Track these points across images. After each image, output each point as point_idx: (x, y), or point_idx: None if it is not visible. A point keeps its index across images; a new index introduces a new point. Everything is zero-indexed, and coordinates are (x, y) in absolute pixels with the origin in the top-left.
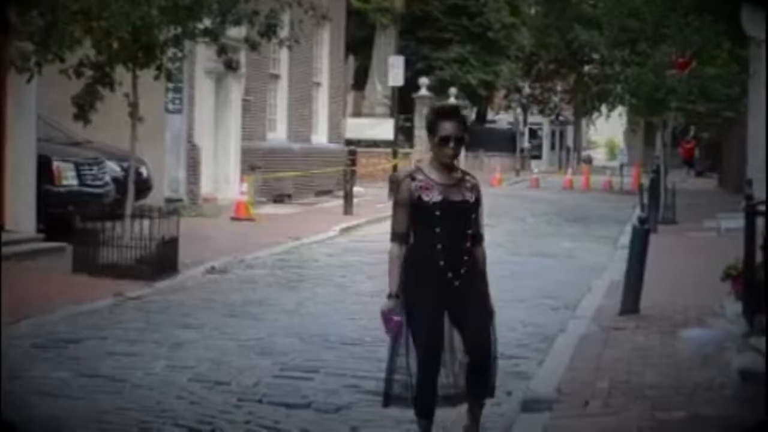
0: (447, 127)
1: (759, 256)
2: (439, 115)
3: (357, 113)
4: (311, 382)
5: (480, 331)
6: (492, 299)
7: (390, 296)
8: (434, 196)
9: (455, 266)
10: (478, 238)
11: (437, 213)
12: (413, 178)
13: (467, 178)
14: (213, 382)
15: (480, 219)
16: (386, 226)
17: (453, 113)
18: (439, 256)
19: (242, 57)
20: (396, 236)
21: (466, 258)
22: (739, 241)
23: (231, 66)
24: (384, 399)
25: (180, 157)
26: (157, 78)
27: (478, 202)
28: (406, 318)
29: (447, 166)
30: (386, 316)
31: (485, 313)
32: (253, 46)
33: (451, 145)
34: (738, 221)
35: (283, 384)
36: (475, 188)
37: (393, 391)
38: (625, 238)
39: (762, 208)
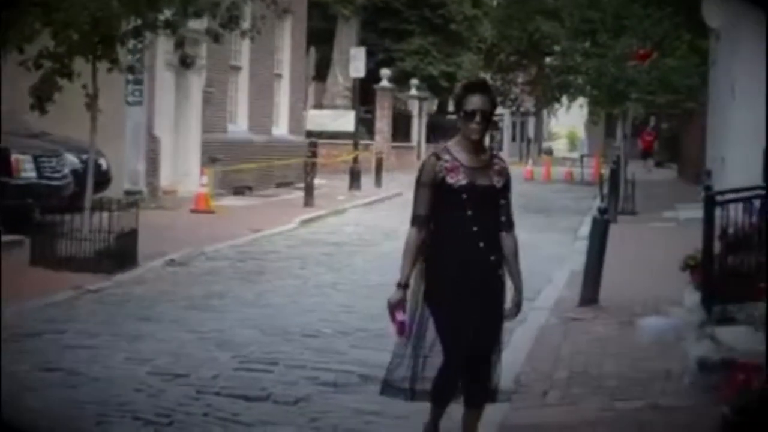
0: (474, 101)
1: (717, 246)
2: (467, 89)
3: (318, 105)
4: (270, 375)
5: (489, 334)
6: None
7: (399, 286)
8: (460, 179)
9: (495, 249)
10: (507, 224)
11: (464, 196)
12: (438, 158)
13: (496, 161)
14: (172, 375)
15: (510, 204)
16: (346, 218)
17: (482, 87)
18: (477, 238)
19: (203, 49)
20: (416, 220)
21: (495, 246)
22: (698, 231)
23: (186, 62)
24: (382, 386)
25: (140, 149)
26: (110, 71)
27: (506, 186)
28: (433, 307)
29: (475, 146)
30: (392, 310)
31: (499, 312)
32: (215, 38)
33: (478, 119)
34: (697, 211)
35: (243, 376)
36: (503, 172)
37: (393, 379)
38: (585, 229)
39: (720, 198)
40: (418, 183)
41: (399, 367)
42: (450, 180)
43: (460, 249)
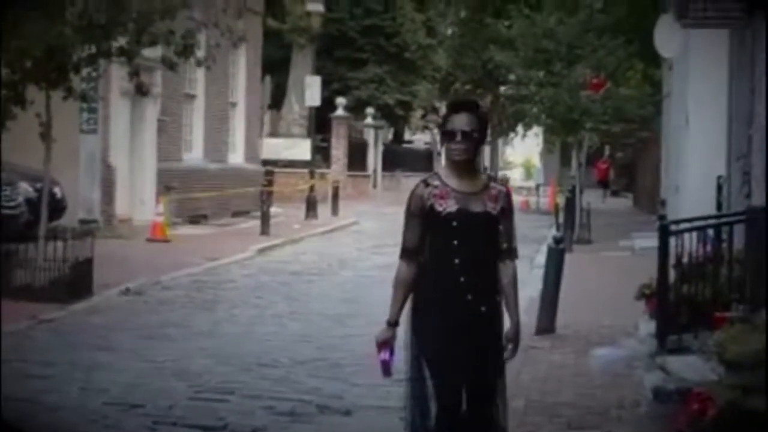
0: (456, 121)
1: (672, 275)
2: (450, 108)
3: (274, 133)
4: (227, 404)
5: (487, 374)
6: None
7: (389, 324)
8: (449, 206)
9: (477, 286)
10: (506, 254)
11: (453, 224)
12: (427, 184)
13: (493, 185)
14: (128, 405)
15: (511, 231)
16: (303, 247)
17: (463, 107)
18: (459, 272)
19: (158, 77)
20: (404, 253)
21: (486, 280)
22: (653, 260)
23: (142, 90)
24: None
25: (94, 177)
26: (65, 99)
27: (505, 212)
28: (419, 348)
29: (466, 169)
30: (378, 347)
31: (499, 349)
32: (170, 67)
33: (458, 138)
34: (652, 240)
35: (199, 406)
36: (500, 197)
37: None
38: (541, 258)
39: (674, 227)
40: (407, 212)
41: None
42: (438, 207)
43: (443, 282)
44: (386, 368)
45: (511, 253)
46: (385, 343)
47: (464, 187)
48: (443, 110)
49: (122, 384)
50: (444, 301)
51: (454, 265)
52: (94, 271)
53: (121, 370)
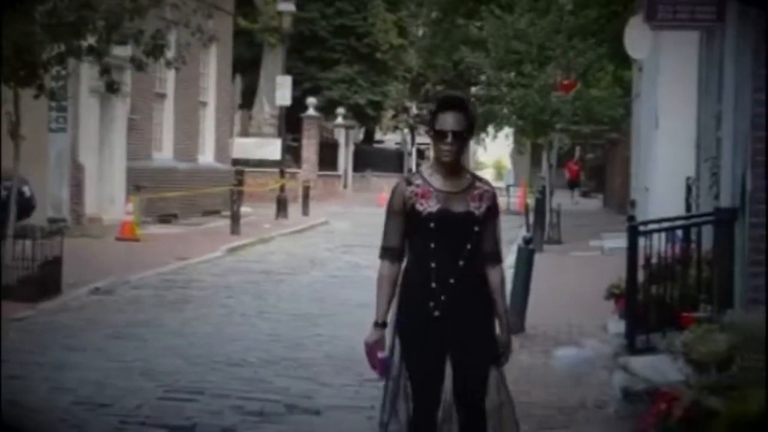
0: (447, 120)
1: (641, 276)
2: (439, 106)
3: (244, 133)
4: (196, 404)
5: (472, 377)
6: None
7: (376, 324)
8: (430, 205)
9: (449, 291)
10: (491, 258)
11: (431, 225)
12: (409, 183)
13: (478, 184)
14: (96, 405)
15: (496, 234)
16: (273, 246)
17: (454, 103)
18: (431, 277)
19: (128, 76)
20: (385, 252)
21: (465, 282)
22: (623, 260)
23: (113, 88)
24: None
25: (64, 176)
26: (37, 97)
27: (490, 213)
28: (402, 352)
29: (451, 169)
30: (370, 350)
31: (486, 354)
32: (139, 66)
33: (449, 140)
34: (621, 241)
35: (168, 406)
36: (485, 197)
37: None
38: (511, 258)
39: (643, 228)
40: (388, 211)
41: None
42: (419, 207)
43: (417, 287)
44: (384, 367)
45: (497, 258)
46: (377, 343)
47: (447, 187)
48: (414, 110)
49: (91, 383)
50: (420, 304)
51: (431, 268)
52: (63, 270)
53: (89, 369)
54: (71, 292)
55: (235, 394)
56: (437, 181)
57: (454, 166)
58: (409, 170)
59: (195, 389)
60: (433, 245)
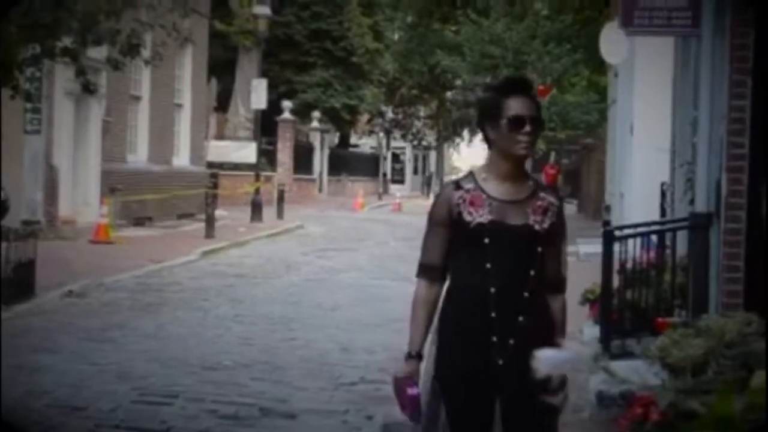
0: (519, 104)
1: (616, 281)
2: (502, 89)
3: (220, 136)
4: (170, 407)
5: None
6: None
7: (409, 356)
8: (480, 215)
9: (517, 332)
10: (555, 284)
11: (486, 240)
12: (458, 186)
13: (542, 195)
14: (70, 408)
15: (561, 256)
16: (248, 250)
17: (524, 86)
18: (490, 306)
19: (103, 78)
20: (423, 271)
21: (533, 320)
22: (598, 265)
23: (89, 89)
24: None
25: (38, 178)
26: (13, 98)
27: (554, 230)
28: (442, 393)
29: (516, 171)
30: (400, 386)
31: (546, 404)
32: (115, 66)
33: (527, 128)
34: (596, 246)
35: (142, 409)
36: (550, 211)
37: None
38: None
39: (618, 233)
40: (429, 220)
41: None
42: (467, 217)
43: (469, 316)
44: (415, 405)
45: (559, 285)
46: (409, 379)
47: (503, 194)
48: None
49: (65, 386)
50: (474, 344)
51: (489, 296)
52: (37, 272)
53: (63, 372)
54: (45, 295)
55: (209, 398)
56: (492, 187)
57: (521, 167)
58: (383, 174)
59: (169, 393)
60: (489, 266)
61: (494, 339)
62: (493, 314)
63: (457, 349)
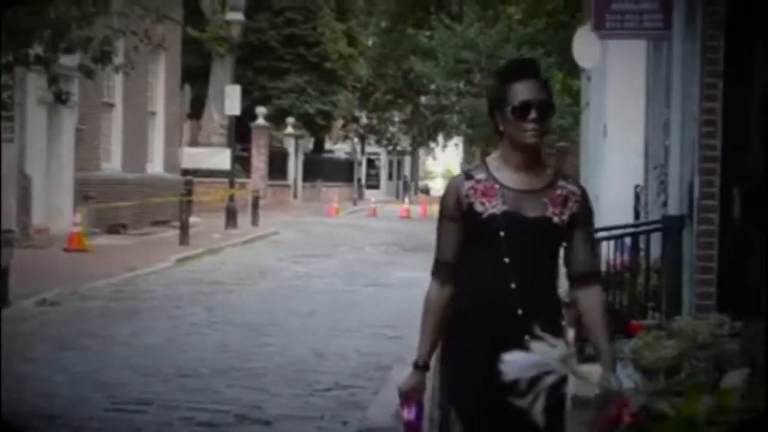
0: (526, 89)
1: None
2: (507, 74)
3: (193, 142)
4: (145, 415)
5: None
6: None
7: (416, 366)
8: (493, 205)
9: (547, 315)
10: (584, 278)
11: (501, 233)
12: (469, 176)
13: (561, 183)
14: (45, 416)
15: (589, 246)
16: (223, 257)
17: (530, 69)
18: (515, 301)
19: (75, 86)
20: (437, 268)
21: (548, 311)
22: None
23: (61, 99)
24: None
25: (10, 186)
26: None
27: (576, 221)
28: (451, 401)
29: (531, 159)
30: (405, 398)
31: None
32: (87, 74)
33: (534, 115)
34: None
35: (116, 417)
36: (571, 201)
37: None
38: None
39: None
40: (440, 214)
41: None
42: (479, 208)
43: (490, 315)
44: (411, 428)
45: (592, 276)
46: (411, 394)
47: (518, 183)
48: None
49: (39, 395)
50: (495, 344)
51: (508, 290)
52: (10, 281)
53: (37, 380)
54: (18, 303)
55: (184, 405)
56: (505, 176)
57: (535, 156)
58: (358, 180)
59: (144, 400)
60: (507, 260)
61: (527, 338)
62: (520, 311)
63: (477, 355)
